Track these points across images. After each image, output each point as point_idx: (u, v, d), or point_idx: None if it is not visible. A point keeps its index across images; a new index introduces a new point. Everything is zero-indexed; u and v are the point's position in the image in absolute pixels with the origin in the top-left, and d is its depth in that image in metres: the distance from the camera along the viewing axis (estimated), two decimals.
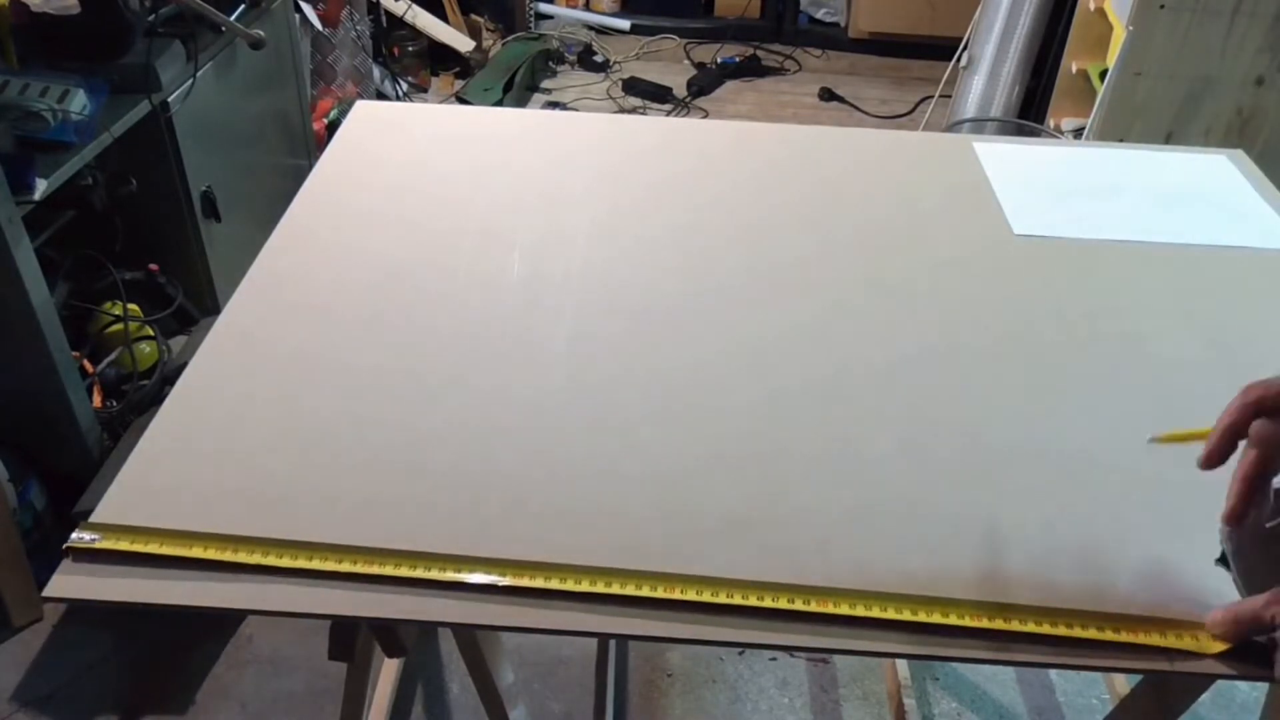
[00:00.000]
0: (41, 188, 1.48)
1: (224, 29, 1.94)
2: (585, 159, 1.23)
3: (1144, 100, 2.12)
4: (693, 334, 0.95)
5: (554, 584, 0.69)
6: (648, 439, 0.82)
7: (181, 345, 1.94)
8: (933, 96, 3.30)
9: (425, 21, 3.47)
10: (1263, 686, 0.62)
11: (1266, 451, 0.63)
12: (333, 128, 2.69)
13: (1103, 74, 2.27)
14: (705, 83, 3.69)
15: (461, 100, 3.26)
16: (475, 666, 0.95)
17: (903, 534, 0.74)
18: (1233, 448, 0.64)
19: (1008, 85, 2.89)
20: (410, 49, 3.43)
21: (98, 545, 0.70)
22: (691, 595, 0.69)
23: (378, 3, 3.23)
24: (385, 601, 0.68)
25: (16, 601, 1.59)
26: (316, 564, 0.70)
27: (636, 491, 0.77)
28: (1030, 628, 0.67)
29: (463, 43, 3.56)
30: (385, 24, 3.31)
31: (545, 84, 3.67)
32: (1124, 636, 0.67)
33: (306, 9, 2.56)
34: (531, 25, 3.95)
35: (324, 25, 2.72)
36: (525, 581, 0.69)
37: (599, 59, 3.81)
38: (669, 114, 3.51)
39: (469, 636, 0.92)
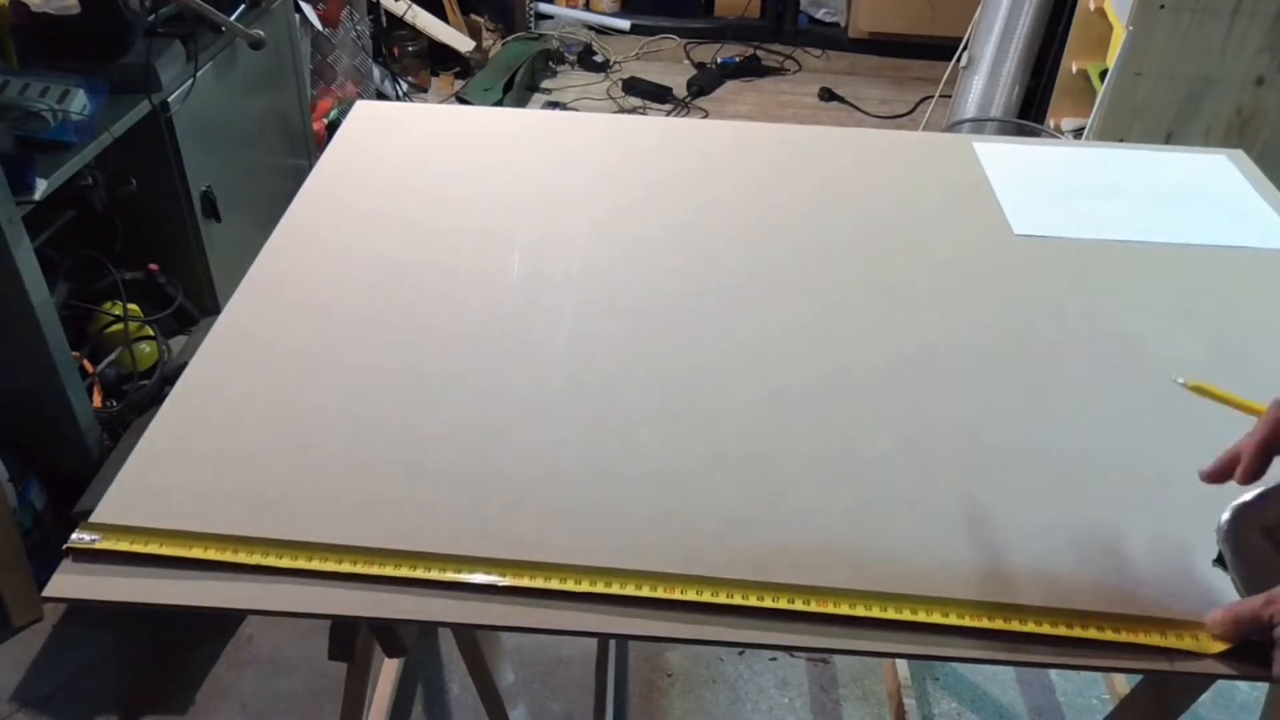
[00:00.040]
0: (41, 188, 1.48)
1: (224, 29, 1.94)
2: (585, 159, 1.23)
3: (1144, 100, 2.12)
4: (693, 334, 0.95)
5: (554, 584, 0.69)
6: (648, 439, 0.82)
7: (181, 345, 1.94)
8: (933, 96, 3.30)
9: (425, 21, 3.47)
10: (1263, 686, 0.62)
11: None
12: (333, 128, 2.69)
13: (1103, 74, 2.27)
14: (705, 83, 3.69)
15: (461, 100, 3.26)
16: (475, 666, 0.95)
17: (903, 534, 0.74)
18: (1268, 463, 0.64)
19: (1008, 85, 2.89)
20: (410, 49, 3.43)
21: (98, 545, 0.70)
22: (691, 595, 0.69)
23: (378, 3, 3.23)
24: (385, 601, 0.68)
25: (16, 601, 1.59)
26: (317, 564, 0.70)
27: (636, 491, 0.77)
28: (1030, 627, 0.67)
29: (463, 43, 3.56)
30: (385, 24, 3.31)
31: (545, 84, 3.67)
32: (1124, 636, 0.67)
33: (306, 9, 2.57)
34: (531, 25, 3.95)
35: (324, 25, 2.72)
36: (525, 581, 0.69)
37: (599, 59, 3.81)
38: (669, 114, 3.51)
39: (469, 636, 0.92)
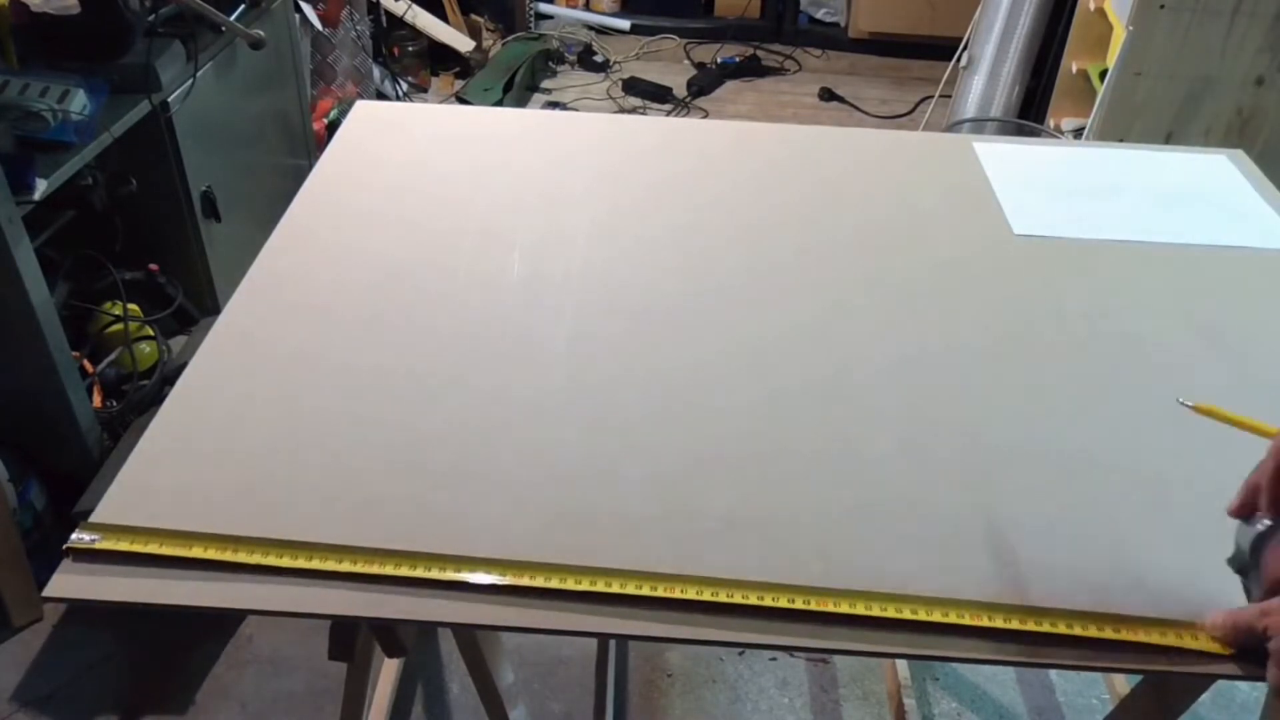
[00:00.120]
0: (41, 188, 1.48)
1: (224, 29, 1.94)
2: (585, 159, 1.23)
3: (1144, 100, 2.12)
4: (693, 334, 0.95)
5: (554, 583, 0.69)
6: (648, 439, 0.82)
7: (181, 345, 1.94)
8: (933, 96, 3.30)
9: (425, 21, 3.47)
10: (1263, 686, 0.62)
11: None
12: (333, 128, 2.69)
13: (1103, 74, 2.27)
14: (705, 83, 3.69)
15: (461, 100, 3.26)
16: (475, 666, 0.95)
17: (903, 534, 0.74)
18: None
19: (1008, 85, 2.89)
20: (410, 49, 3.43)
21: (98, 545, 0.70)
22: (692, 594, 0.69)
23: (378, 3, 3.23)
24: (385, 601, 0.68)
25: (16, 601, 1.59)
26: (317, 564, 0.70)
27: (636, 491, 0.77)
28: (1030, 627, 0.67)
29: (463, 43, 3.56)
30: (385, 24, 3.31)
31: (545, 84, 3.67)
32: (1124, 635, 0.67)
33: (306, 9, 2.56)
34: (531, 25, 3.95)
35: (324, 25, 2.72)
36: (525, 581, 0.69)
37: (599, 59, 3.81)
38: (669, 114, 3.51)
39: (469, 636, 0.92)
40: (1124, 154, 1.31)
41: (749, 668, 1.61)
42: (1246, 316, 0.99)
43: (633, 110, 3.52)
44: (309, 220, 1.09)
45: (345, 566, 0.70)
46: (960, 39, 2.96)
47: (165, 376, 1.83)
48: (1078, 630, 0.67)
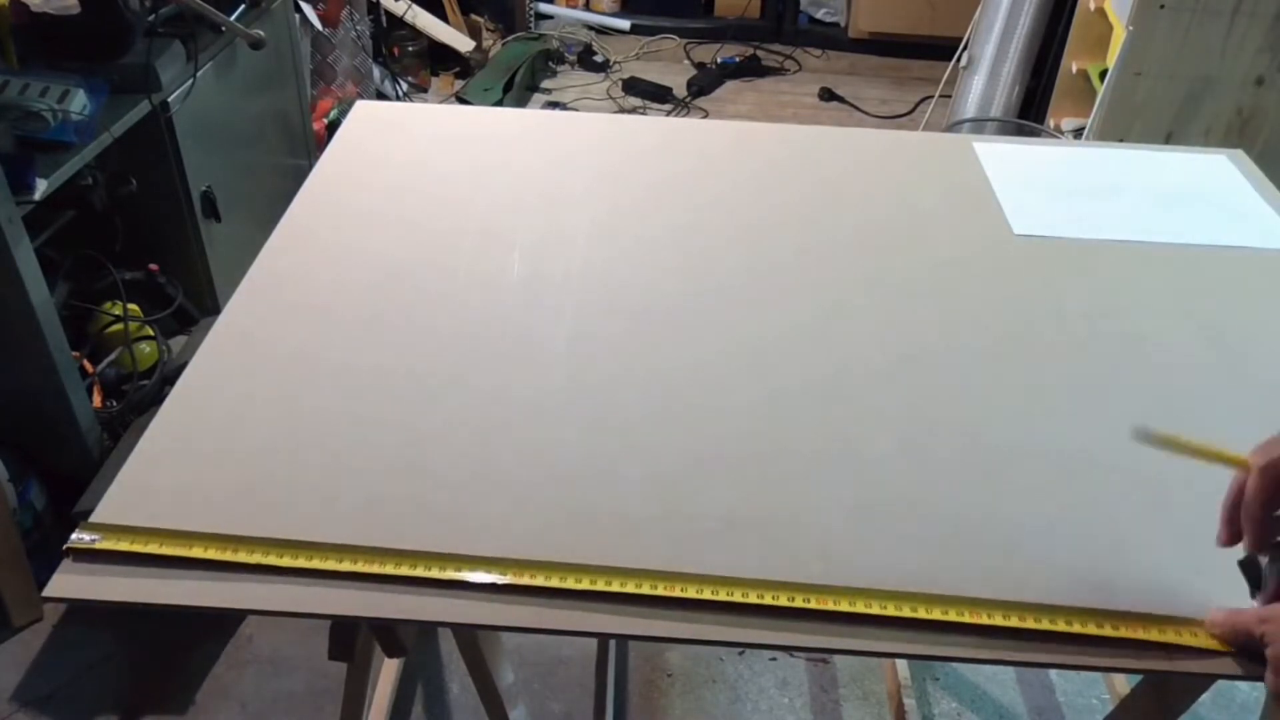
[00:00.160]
0: (41, 188, 1.48)
1: (224, 29, 1.94)
2: (585, 159, 1.23)
3: (1144, 100, 2.12)
4: (693, 334, 0.95)
5: (554, 582, 0.69)
6: (648, 439, 0.82)
7: (181, 345, 1.94)
8: (933, 96, 3.30)
9: (425, 21, 3.47)
10: (1263, 686, 0.62)
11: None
12: (333, 128, 2.69)
13: (1103, 74, 2.27)
14: (705, 83, 3.69)
15: (461, 100, 3.26)
16: (475, 666, 0.95)
17: (903, 534, 0.74)
18: (1276, 524, 0.63)
19: (1008, 85, 2.89)
20: (410, 49, 3.43)
21: (98, 546, 0.70)
22: (692, 593, 0.69)
23: (378, 3, 3.23)
24: (385, 601, 0.68)
25: (16, 601, 1.59)
26: (317, 564, 0.70)
27: (636, 491, 0.77)
28: (1030, 624, 0.67)
29: (463, 43, 3.56)
30: (385, 24, 3.31)
31: (545, 84, 3.67)
32: (1123, 633, 0.67)
33: (306, 9, 2.56)
34: (531, 25, 3.95)
35: (324, 25, 2.72)
36: (525, 580, 0.69)
37: (599, 59, 3.81)
38: (669, 114, 3.51)
39: (469, 636, 0.92)
40: (1124, 154, 1.31)
41: (749, 668, 1.61)
42: (1246, 316, 0.99)
43: (633, 110, 3.52)
44: (309, 220, 1.09)
45: (345, 566, 0.70)
46: (960, 39, 2.96)
47: (165, 376, 1.83)
48: (1077, 628, 0.67)
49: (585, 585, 0.69)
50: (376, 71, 3.16)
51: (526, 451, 0.81)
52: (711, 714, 1.55)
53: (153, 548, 0.70)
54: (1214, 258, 1.09)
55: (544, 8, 4.06)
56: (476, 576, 0.70)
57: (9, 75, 1.59)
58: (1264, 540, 0.63)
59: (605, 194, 1.16)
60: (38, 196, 1.47)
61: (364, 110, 1.33)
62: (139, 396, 1.78)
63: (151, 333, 1.89)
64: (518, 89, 3.42)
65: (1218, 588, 0.68)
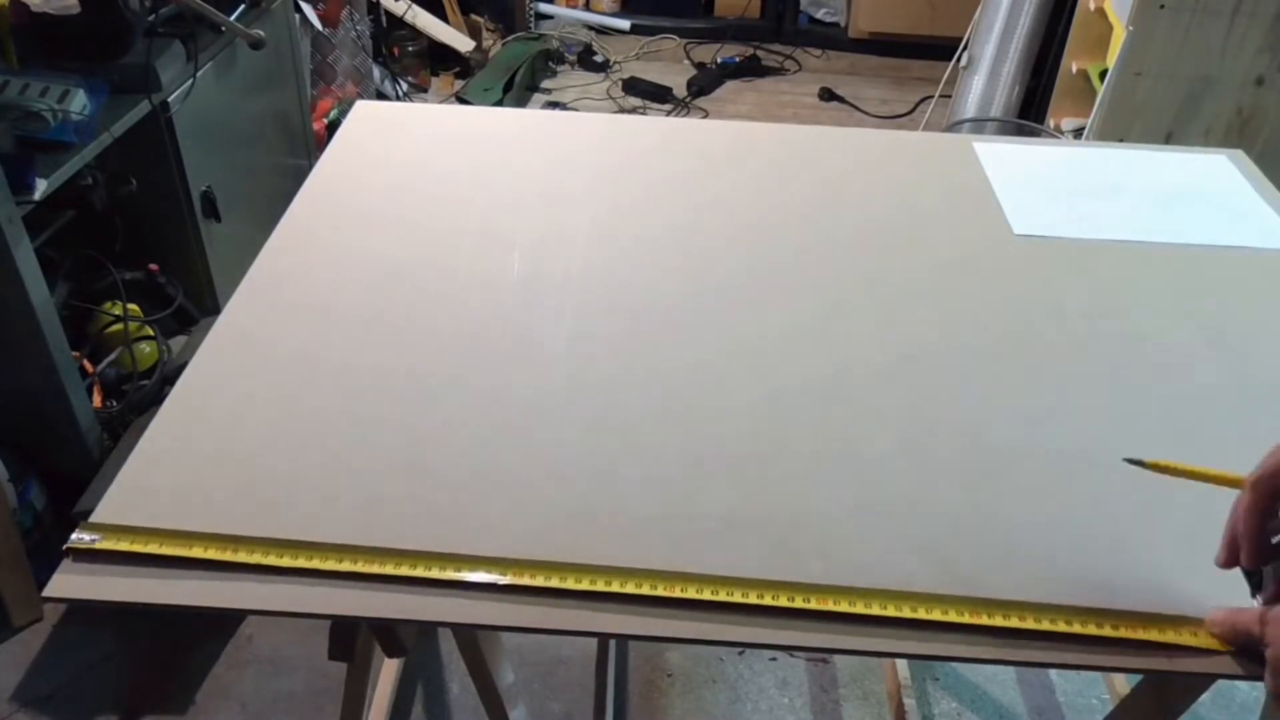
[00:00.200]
0: (41, 188, 1.48)
1: (224, 29, 1.94)
2: (585, 159, 1.23)
3: (1144, 100, 2.12)
4: (693, 334, 0.95)
5: (554, 582, 0.69)
6: (648, 439, 0.82)
7: (181, 345, 1.94)
8: (933, 96, 3.30)
9: (425, 21, 3.47)
10: (1262, 686, 0.62)
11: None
12: (333, 128, 2.69)
13: (1103, 74, 2.27)
14: (705, 83, 3.69)
15: (461, 100, 3.26)
16: (475, 666, 0.95)
17: (903, 533, 0.74)
18: (1272, 548, 0.63)
19: (1008, 85, 2.89)
20: (410, 49, 3.43)
21: (98, 546, 0.70)
22: (692, 593, 0.69)
23: (378, 3, 3.23)
24: (385, 601, 0.68)
25: (16, 601, 1.59)
26: (317, 564, 0.70)
27: (636, 491, 0.77)
28: (1030, 624, 0.67)
29: (463, 43, 3.56)
30: (385, 24, 3.31)
31: (545, 84, 3.67)
32: (1123, 633, 0.67)
33: (306, 9, 2.56)
34: (531, 25, 3.95)
35: (324, 25, 2.72)
36: (525, 580, 0.69)
37: (599, 59, 3.81)
38: (669, 114, 3.51)
39: (469, 636, 0.92)
40: (1124, 154, 1.31)
41: (749, 668, 1.61)
42: (1246, 316, 0.99)
43: (633, 110, 3.52)
44: (309, 220, 1.09)
45: (345, 566, 0.70)
46: (960, 39, 2.96)
47: (165, 376, 1.83)
48: (1077, 627, 0.67)
49: (585, 585, 0.69)
50: (376, 71, 3.16)
51: (526, 451, 0.81)
52: (711, 714, 1.55)
53: (152, 548, 0.70)
54: (1214, 258, 1.09)
55: (544, 8, 4.07)
56: (476, 576, 0.69)
57: (9, 75, 1.59)
58: (1260, 555, 0.63)
59: (605, 194, 1.16)
60: (38, 196, 1.47)
61: (364, 110, 1.33)
62: (139, 396, 1.78)
63: (151, 333, 1.89)
64: (518, 89, 3.42)
65: (1217, 588, 0.68)
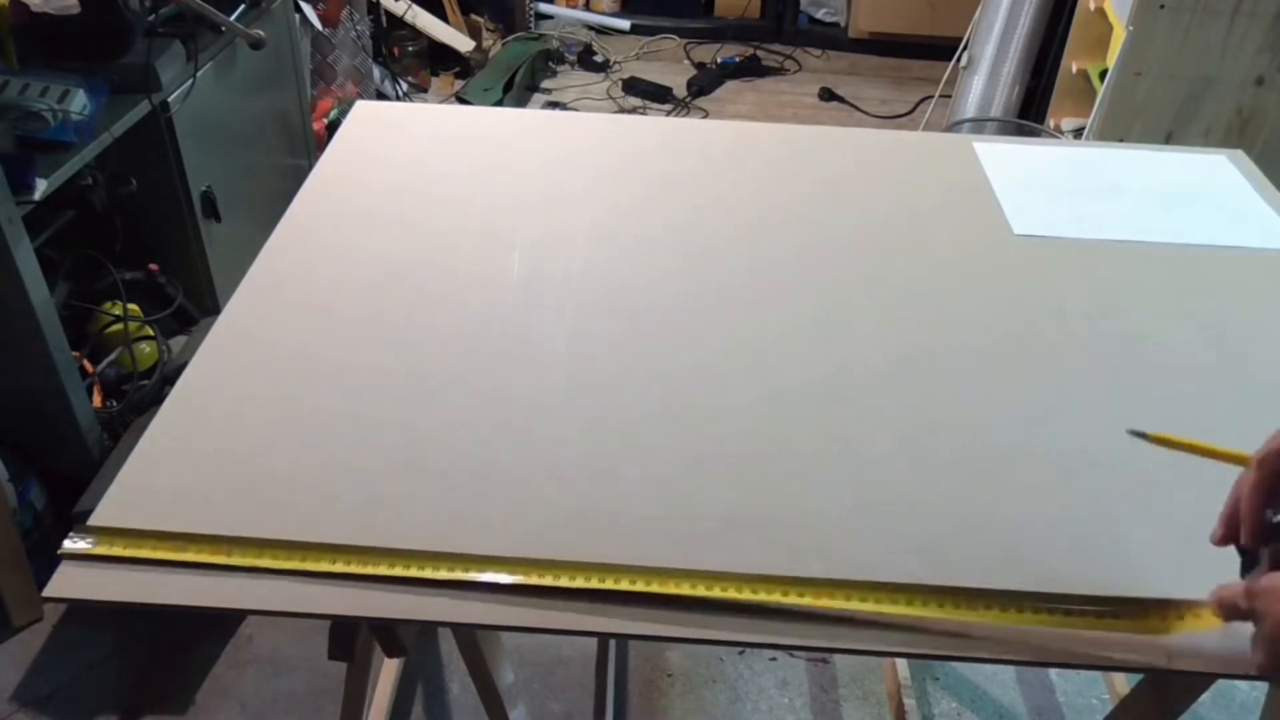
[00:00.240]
0: (41, 188, 1.48)
1: (224, 29, 1.94)
2: (585, 159, 1.23)
3: (1144, 100, 2.12)
4: (693, 334, 0.95)
5: (554, 582, 0.69)
6: (648, 439, 0.82)
7: (181, 345, 1.94)
8: (933, 96, 3.30)
9: (425, 21, 3.47)
10: (1262, 686, 0.62)
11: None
12: (333, 128, 2.69)
13: (1103, 74, 2.27)
14: (705, 83, 3.69)
15: (461, 100, 3.26)
16: (475, 666, 0.95)
17: (903, 533, 0.74)
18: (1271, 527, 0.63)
19: (1008, 85, 2.89)
20: (410, 49, 3.43)
21: (92, 552, 0.70)
22: (687, 590, 0.69)
23: (378, 3, 3.23)
24: (385, 601, 0.68)
25: (16, 601, 1.59)
26: (317, 564, 0.70)
27: (636, 491, 0.77)
28: (1029, 623, 0.67)
29: (463, 43, 3.55)
30: (385, 24, 3.31)
31: (545, 84, 3.67)
32: (1123, 631, 0.67)
33: (306, 9, 2.56)
34: (531, 25, 3.95)
35: (324, 25, 2.72)
36: (525, 580, 0.69)
37: (599, 59, 3.81)
38: (669, 114, 3.51)
39: (469, 636, 0.92)
40: (1124, 154, 1.31)
41: (749, 668, 1.61)
42: (1246, 316, 0.99)
43: (633, 110, 3.52)
44: (309, 220, 1.09)
45: (345, 566, 0.70)
46: (960, 39, 2.96)
47: (165, 376, 1.83)
48: (1077, 627, 0.67)
49: (585, 584, 0.69)
50: (376, 71, 3.16)
51: (526, 451, 0.81)
52: (711, 714, 1.55)
53: (146, 552, 0.70)
54: (1214, 258, 1.09)
55: (544, 8, 4.06)
56: (477, 576, 0.69)
57: (9, 75, 1.59)
58: (1260, 534, 0.63)
59: (605, 194, 1.16)
60: (38, 196, 1.47)
61: (364, 110, 1.33)
62: (139, 396, 1.78)
63: (151, 333, 1.89)
64: (518, 89, 3.42)
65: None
